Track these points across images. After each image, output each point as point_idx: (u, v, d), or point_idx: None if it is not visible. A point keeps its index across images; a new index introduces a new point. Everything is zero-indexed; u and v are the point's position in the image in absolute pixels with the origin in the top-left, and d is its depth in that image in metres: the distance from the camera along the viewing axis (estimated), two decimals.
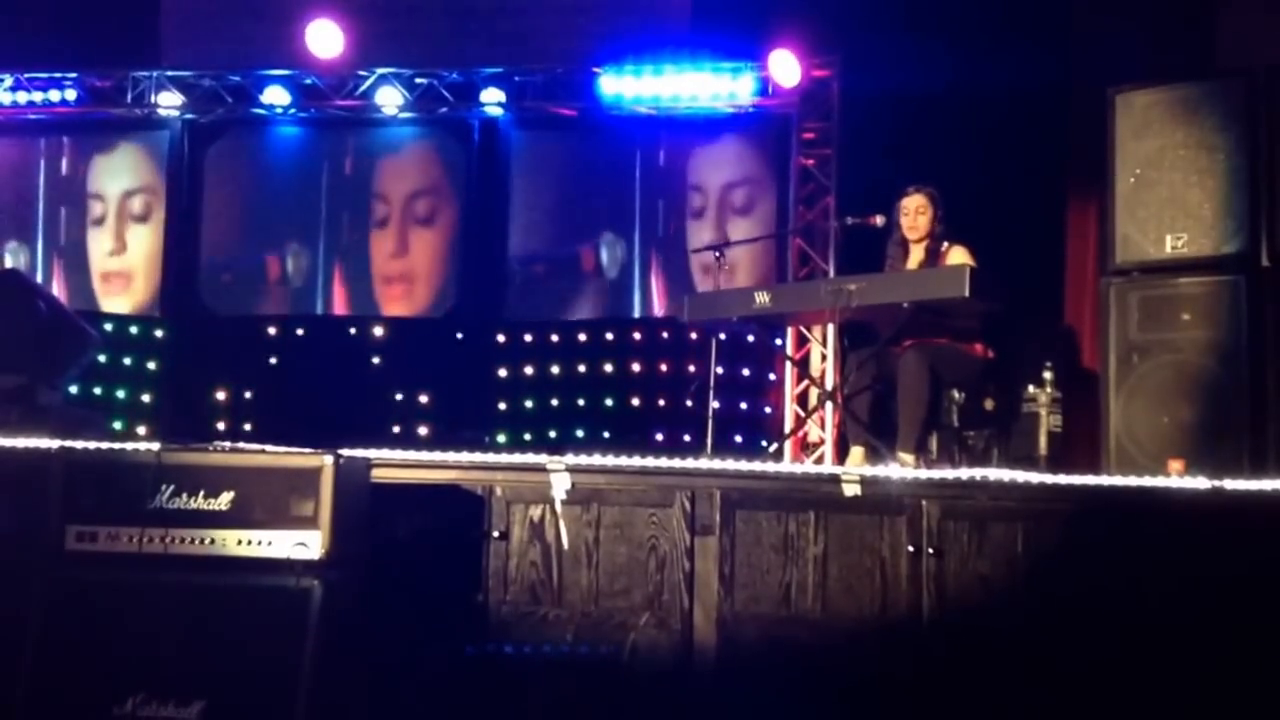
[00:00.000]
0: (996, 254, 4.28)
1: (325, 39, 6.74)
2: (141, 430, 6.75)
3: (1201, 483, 3.05)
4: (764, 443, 5.99)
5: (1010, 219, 5.48)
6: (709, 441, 4.35)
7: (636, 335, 6.81)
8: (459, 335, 6.97)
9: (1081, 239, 5.83)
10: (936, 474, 3.28)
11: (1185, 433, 4.05)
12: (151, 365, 7.12)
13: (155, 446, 2.96)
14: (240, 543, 2.81)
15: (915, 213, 4.30)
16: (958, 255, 4.23)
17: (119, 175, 7.44)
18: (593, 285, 7.09)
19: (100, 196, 7.44)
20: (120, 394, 6.98)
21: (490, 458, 3.37)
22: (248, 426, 6.63)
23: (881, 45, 6.01)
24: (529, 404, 6.81)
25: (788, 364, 6.25)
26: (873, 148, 6.08)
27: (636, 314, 7.00)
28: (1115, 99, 4.35)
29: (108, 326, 6.81)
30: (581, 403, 6.72)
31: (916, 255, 4.34)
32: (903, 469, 3.64)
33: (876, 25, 6.12)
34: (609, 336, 6.80)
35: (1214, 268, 4.13)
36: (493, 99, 6.97)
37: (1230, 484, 3.02)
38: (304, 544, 2.79)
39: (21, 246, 7.47)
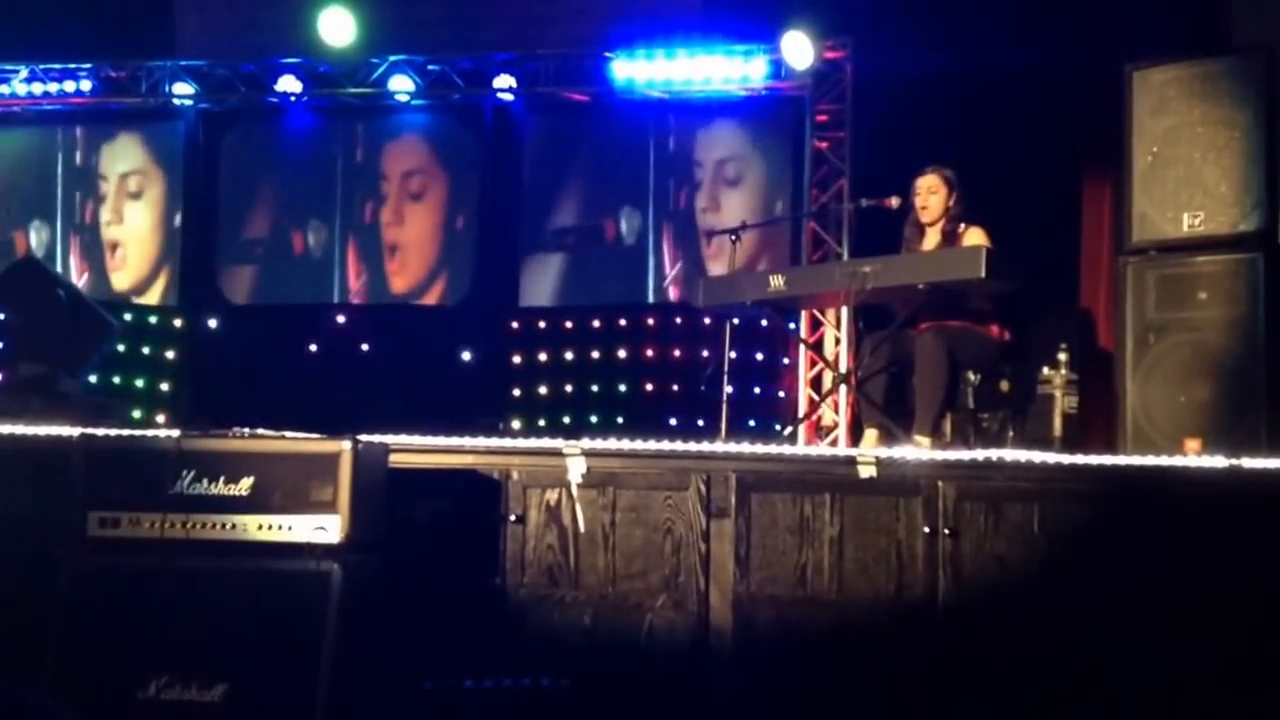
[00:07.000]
0: (1011, 235, 4.24)
1: (338, 27, 6.74)
2: (160, 418, 6.81)
3: (1219, 462, 3.03)
4: (778, 427, 5.99)
5: (1025, 199, 5.44)
6: (723, 426, 4.35)
7: (650, 321, 6.81)
8: (473, 322, 7.01)
9: (1097, 219, 5.79)
10: (952, 455, 3.26)
11: (1202, 412, 4.02)
12: (170, 354, 7.20)
13: (175, 433, 2.98)
14: (260, 527, 2.84)
15: (927, 192, 4.27)
16: (974, 237, 4.19)
17: (119, 160, 7.74)
18: (608, 264, 7.10)
19: (105, 177, 7.78)
20: (139, 383, 7.05)
21: (507, 442, 3.39)
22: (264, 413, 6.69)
23: (894, 26, 5.97)
24: (543, 390, 6.83)
25: (801, 348, 6.24)
26: (887, 129, 6.04)
27: (650, 291, 7.00)
28: (1133, 76, 4.30)
29: (126, 316, 6.88)
30: (595, 388, 6.73)
31: (933, 237, 4.30)
32: (918, 450, 3.63)
33: (889, 5, 6.08)
34: (622, 322, 6.81)
35: (1231, 246, 4.09)
36: (505, 85, 6.96)
37: (1248, 463, 3.00)
38: (323, 528, 2.81)
39: (44, 224, 7.72)
